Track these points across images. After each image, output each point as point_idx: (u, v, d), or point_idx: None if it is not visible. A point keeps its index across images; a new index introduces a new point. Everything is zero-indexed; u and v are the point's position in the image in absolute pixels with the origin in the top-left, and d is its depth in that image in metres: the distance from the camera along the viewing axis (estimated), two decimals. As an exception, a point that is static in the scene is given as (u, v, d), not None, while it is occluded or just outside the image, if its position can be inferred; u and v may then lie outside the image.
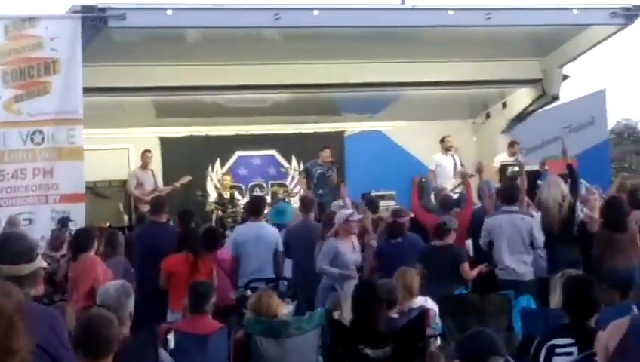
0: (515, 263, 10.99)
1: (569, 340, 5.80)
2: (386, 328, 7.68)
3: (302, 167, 18.08)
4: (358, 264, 11.04)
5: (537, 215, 11.52)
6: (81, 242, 10.16)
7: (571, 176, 11.62)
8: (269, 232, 11.85)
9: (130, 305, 6.42)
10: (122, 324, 5.89)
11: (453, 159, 17.21)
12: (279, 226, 12.77)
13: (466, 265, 11.05)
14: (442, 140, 17.41)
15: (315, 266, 11.08)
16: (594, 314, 6.00)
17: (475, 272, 11.00)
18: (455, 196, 15.05)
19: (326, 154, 16.61)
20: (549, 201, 11.18)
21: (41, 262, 4.82)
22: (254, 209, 12.30)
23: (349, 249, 10.90)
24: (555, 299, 7.27)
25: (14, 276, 4.53)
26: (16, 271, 4.59)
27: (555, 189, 11.20)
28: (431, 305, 8.96)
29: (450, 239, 11.31)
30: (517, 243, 11.06)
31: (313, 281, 11.12)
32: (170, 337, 7.62)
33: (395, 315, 8.18)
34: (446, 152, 17.30)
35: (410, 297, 8.85)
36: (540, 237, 11.08)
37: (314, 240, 11.66)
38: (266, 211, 13.65)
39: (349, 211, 11.59)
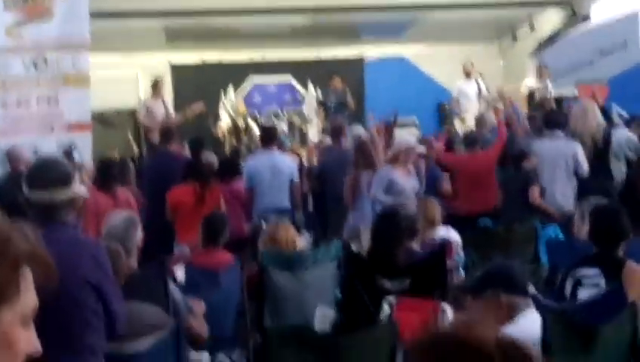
0: (556, 192, 10.52)
1: (595, 270, 5.68)
2: (405, 259, 7.26)
3: (319, 93, 17.53)
4: (417, 190, 10.37)
5: None
6: (112, 173, 9.93)
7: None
8: (284, 161, 11.36)
9: (138, 236, 6.23)
10: (129, 256, 5.88)
11: (477, 84, 16.53)
12: None
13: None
14: (464, 65, 16.73)
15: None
16: (621, 243, 5.82)
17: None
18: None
19: (336, 83, 16.08)
20: (583, 132, 10.78)
21: (78, 189, 4.63)
22: (266, 137, 11.79)
23: (405, 175, 10.20)
24: (580, 229, 7.12)
25: (49, 203, 4.47)
26: (51, 197, 4.47)
27: (590, 118, 10.81)
28: (453, 235, 8.57)
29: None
30: (559, 171, 10.52)
31: (342, 210, 10.52)
32: (180, 270, 7.30)
33: (415, 246, 7.77)
34: (469, 78, 16.59)
35: (432, 228, 8.50)
36: (585, 164, 10.46)
37: (344, 166, 11.00)
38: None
39: (413, 140, 11.09)
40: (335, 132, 12.33)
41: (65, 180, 4.53)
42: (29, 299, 1.85)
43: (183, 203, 9.91)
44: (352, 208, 10.17)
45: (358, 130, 12.78)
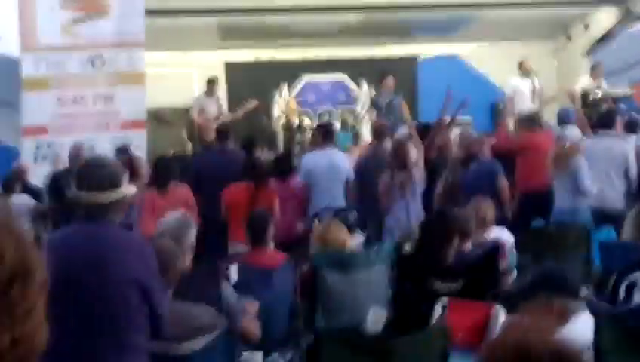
0: (605, 189, 10.40)
1: None
2: (457, 261, 7.18)
3: (373, 92, 17.45)
4: None
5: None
6: (169, 171, 10.12)
7: None
8: (340, 160, 11.40)
9: (192, 236, 6.22)
10: (183, 256, 5.82)
11: (532, 83, 16.36)
12: None
13: None
14: (521, 63, 16.51)
15: None
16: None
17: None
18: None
19: (389, 82, 15.94)
20: None
21: (127, 189, 4.69)
22: (324, 135, 11.82)
23: None
24: (629, 231, 7.04)
25: (98, 203, 4.54)
26: (100, 199, 4.55)
27: None
28: (506, 237, 8.50)
29: None
30: (609, 169, 10.48)
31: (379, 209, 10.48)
32: (234, 269, 7.23)
33: (468, 247, 7.65)
34: (525, 76, 16.44)
35: (485, 229, 8.42)
36: (634, 166, 10.36)
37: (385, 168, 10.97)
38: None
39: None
40: (376, 133, 12.29)
41: (113, 182, 4.58)
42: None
43: (237, 202, 9.92)
44: (387, 211, 10.18)
45: (401, 132, 12.74)
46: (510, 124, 14.89)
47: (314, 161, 11.28)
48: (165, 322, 4.69)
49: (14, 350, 1.65)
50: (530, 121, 12.02)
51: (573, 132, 10.66)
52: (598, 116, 11.54)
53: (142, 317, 4.56)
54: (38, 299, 1.74)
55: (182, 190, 9.90)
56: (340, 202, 10.98)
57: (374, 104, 16.06)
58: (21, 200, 11.61)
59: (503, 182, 10.84)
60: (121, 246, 4.55)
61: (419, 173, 10.10)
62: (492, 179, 10.78)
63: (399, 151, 10.20)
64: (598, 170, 10.39)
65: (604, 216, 9.86)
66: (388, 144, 11.76)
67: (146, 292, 4.51)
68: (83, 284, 4.40)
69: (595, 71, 16.13)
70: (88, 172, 4.66)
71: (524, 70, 16.39)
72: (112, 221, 4.60)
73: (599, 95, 15.04)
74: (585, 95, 15.55)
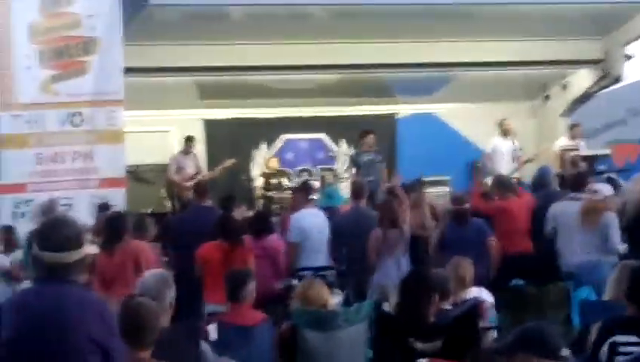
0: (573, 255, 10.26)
1: (633, 338, 5.53)
2: (436, 320, 7.15)
3: (352, 151, 17.49)
4: None
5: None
6: (121, 227, 9.73)
7: None
8: (325, 219, 11.37)
9: (171, 295, 6.15)
10: (162, 314, 5.66)
11: (513, 143, 16.40)
12: (330, 209, 12.48)
13: None
14: (501, 123, 16.51)
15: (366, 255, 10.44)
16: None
17: None
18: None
19: (369, 140, 15.96)
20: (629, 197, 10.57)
21: (88, 249, 4.74)
22: (307, 194, 12.04)
23: None
24: (611, 290, 6.92)
25: (60, 263, 4.47)
26: (62, 259, 4.47)
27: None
28: (486, 296, 8.51)
29: None
30: (577, 235, 10.29)
31: (364, 270, 10.47)
32: (212, 328, 7.22)
33: (447, 307, 7.69)
34: (505, 136, 16.48)
35: (464, 288, 8.40)
36: (615, 236, 10.27)
37: (366, 227, 10.95)
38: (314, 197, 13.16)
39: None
40: (355, 192, 12.17)
41: (75, 242, 4.54)
42: None
43: (211, 259, 9.80)
44: (376, 268, 10.16)
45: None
46: (488, 182, 14.94)
47: (306, 219, 11.23)
48: None
49: None
50: (505, 187, 12.03)
51: (605, 187, 10.66)
52: (572, 178, 11.54)
53: None
54: None
55: (132, 246, 9.49)
56: (323, 260, 10.99)
57: (354, 162, 16.04)
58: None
59: (493, 243, 10.87)
60: (81, 306, 4.48)
61: (408, 231, 10.16)
62: (482, 238, 10.81)
63: (390, 208, 10.25)
64: (571, 233, 10.36)
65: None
66: (364, 203, 11.85)
67: (106, 353, 4.44)
68: (43, 343, 4.35)
69: (573, 131, 16.17)
70: (50, 231, 4.59)
71: (504, 130, 16.39)
72: (74, 280, 4.54)
73: (578, 155, 15.07)
74: (562, 155, 15.58)
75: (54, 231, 4.57)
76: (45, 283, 4.54)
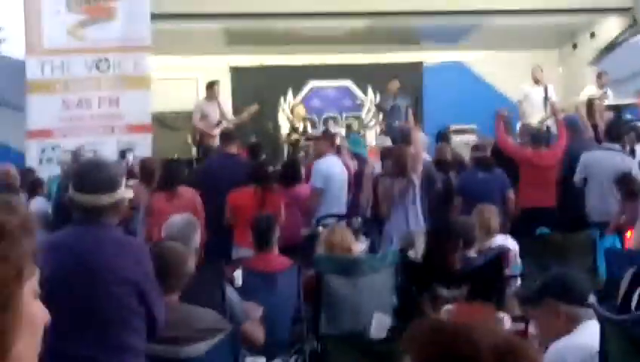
0: (607, 203, 10.29)
1: None
2: (462, 267, 7.22)
3: (378, 98, 17.42)
4: None
5: None
6: (178, 174, 10.06)
7: None
8: (347, 167, 11.54)
9: (196, 239, 6.27)
10: (190, 258, 5.73)
11: (545, 91, 16.21)
12: (356, 155, 12.56)
13: None
14: (533, 70, 16.37)
15: None
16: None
17: None
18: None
19: (393, 86, 15.88)
20: None
21: (125, 193, 4.64)
22: (332, 142, 12.08)
23: None
24: (638, 240, 7.04)
25: (96, 205, 4.49)
26: (95, 201, 4.49)
27: None
28: (511, 244, 8.54)
29: None
30: (612, 183, 10.31)
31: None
32: (238, 274, 7.16)
33: (473, 254, 7.67)
34: (536, 83, 16.31)
35: (489, 236, 8.44)
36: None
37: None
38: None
39: None
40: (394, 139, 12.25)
41: (111, 185, 4.54)
42: (34, 269, 1.80)
43: (243, 206, 9.85)
44: (387, 217, 10.13)
45: (385, 140, 12.76)
46: (516, 127, 14.87)
47: (329, 167, 11.27)
48: (161, 325, 4.65)
49: None
50: (537, 138, 11.95)
51: None
52: (606, 128, 11.47)
53: (138, 319, 4.50)
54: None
55: (189, 194, 9.80)
56: (344, 208, 11.05)
57: (379, 108, 16.02)
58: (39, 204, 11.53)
59: (512, 196, 10.89)
60: (116, 249, 4.51)
61: (418, 180, 10.10)
62: (502, 190, 10.83)
63: (399, 158, 10.18)
64: (602, 184, 10.37)
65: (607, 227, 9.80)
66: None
67: (141, 295, 4.48)
68: (75, 286, 4.37)
69: (600, 80, 16.06)
70: (86, 174, 4.62)
71: (535, 77, 16.25)
72: (109, 223, 4.57)
73: (604, 104, 14.97)
74: (590, 104, 15.47)
75: (91, 173, 4.59)
76: (82, 224, 4.57)
